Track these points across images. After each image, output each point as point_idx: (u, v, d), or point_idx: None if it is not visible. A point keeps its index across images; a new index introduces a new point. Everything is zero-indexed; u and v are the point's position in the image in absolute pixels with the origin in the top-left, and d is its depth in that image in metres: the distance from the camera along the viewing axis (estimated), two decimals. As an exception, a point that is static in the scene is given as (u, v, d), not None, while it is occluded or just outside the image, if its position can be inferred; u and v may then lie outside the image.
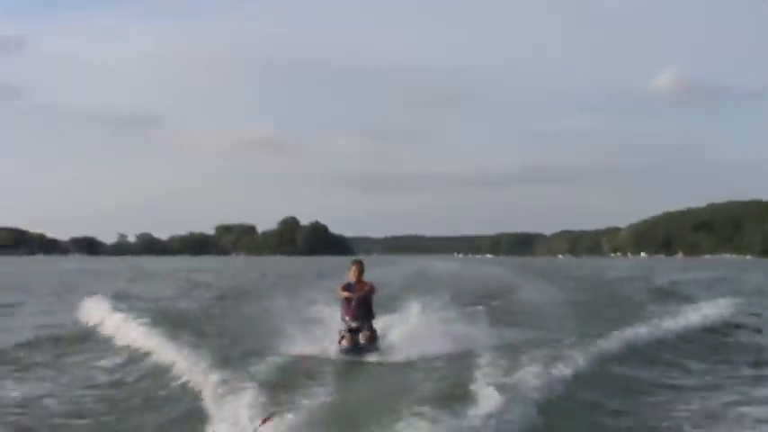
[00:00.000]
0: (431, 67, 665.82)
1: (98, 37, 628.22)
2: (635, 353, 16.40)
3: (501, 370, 12.35)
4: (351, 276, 16.07)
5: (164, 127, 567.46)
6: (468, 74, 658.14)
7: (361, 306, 15.74)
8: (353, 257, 17.80)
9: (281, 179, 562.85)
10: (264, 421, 8.50)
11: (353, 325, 15.51)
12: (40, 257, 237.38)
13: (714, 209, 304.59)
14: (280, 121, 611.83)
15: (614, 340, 16.89)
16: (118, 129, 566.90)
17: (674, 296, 35.54)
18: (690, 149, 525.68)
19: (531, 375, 11.81)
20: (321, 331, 16.72)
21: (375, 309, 16.34)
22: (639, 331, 18.67)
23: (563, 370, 12.84)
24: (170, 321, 21.19)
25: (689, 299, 32.02)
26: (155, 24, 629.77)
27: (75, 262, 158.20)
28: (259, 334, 18.59)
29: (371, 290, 15.95)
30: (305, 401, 10.19)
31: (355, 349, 15.15)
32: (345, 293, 15.81)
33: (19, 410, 11.69)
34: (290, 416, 8.80)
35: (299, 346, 15.54)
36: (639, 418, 11.14)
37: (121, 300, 29.08)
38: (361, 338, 15.32)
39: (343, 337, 15.39)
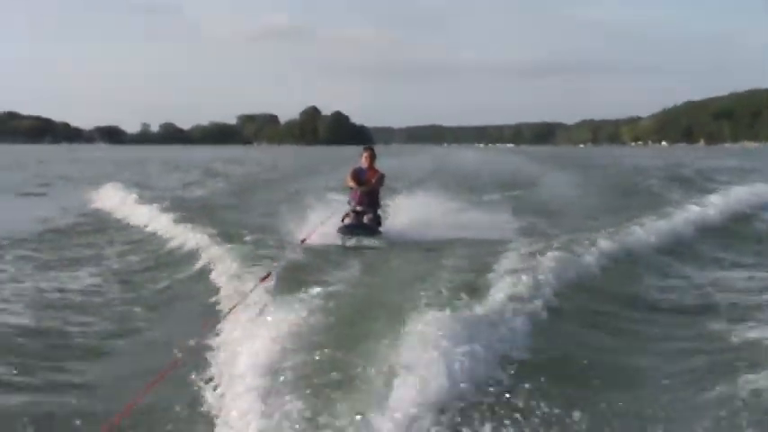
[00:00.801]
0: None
1: None
2: (660, 243, 15.69)
3: (513, 259, 12.05)
4: (362, 162, 16.45)
5: (186, 15, 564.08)
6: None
7: (369, 194, 16.10)
8: (366, 145, 18.02)
9: (303, 69, 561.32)
10: (263, 279, 8.55)
11: (359, 208, 15.88)
12: (64, 146, 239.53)
13: (735, 98, 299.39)
14: (303, 10, 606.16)
15: (637, 230, 16.10)
16: (139, 15, 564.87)
17: (697, 184, 35.03)
18: (714, 38, 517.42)
19: (545, 266, 11.34)
20: (330, 218, 16.62)
21: (385, 198, 16.77)
22: (665, 220, 17.97)
23: (581, 261, 12.39)
24: (182, 209, 21.03)
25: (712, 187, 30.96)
26: None
27: (99, 151, 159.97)
28: (270, 221, 18.69)
29: (379, 180, 16.26)
30: (310, 287, 9.80)
31: (357, 228, 15.47)
32: (353, 184, 16.14)
33: (32, 297, 11.57)
34: (295, 304, 8.47)
35: (302, 230, 15.55)
36: (659, 315, 10.52)
37: (138, 188, 29.51)
38: (365, 219, 15.70)
39: (347, 215, 15.80)
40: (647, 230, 16.28)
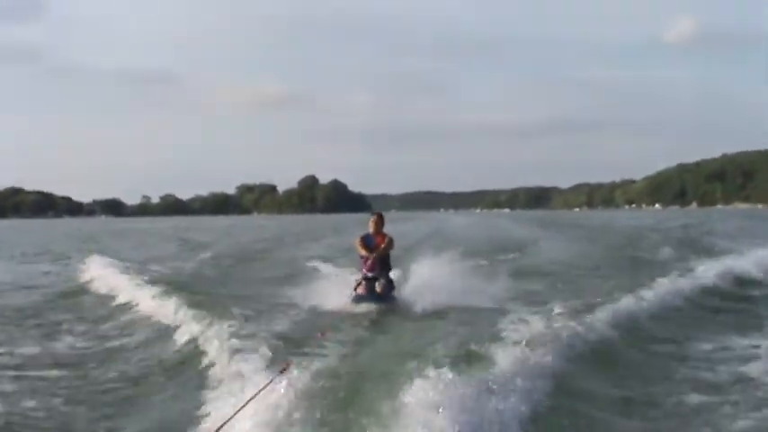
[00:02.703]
0: (448, 18, 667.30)
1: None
2: (660, 311, 15.26)
3: (516, 327, 11.87)
4: (370, 228, 16.45)
5: (184, 86, 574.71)
6: (483, 25, 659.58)
7: (380, 259, 16.08)
8: (373, 211, 17.90)
9: (301, 136, 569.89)
10: (283, 371, 8.29)
11: (370, 275, 15.89)
12: (67, 220, 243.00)
13: (727, 159, 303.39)
14: (299, 78, 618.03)
15: (637, 297, 15.68)
16: (137, 86, 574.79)
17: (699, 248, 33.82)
18: (705, 100, 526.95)
19: (547, 333, 11.27)
20: (336, 286, 16.78)
21: (392, 262, 16.60)
22: (666, 287, 17.42)
23: (580, 329, 12.06)
24: (174, 282, 20.21)
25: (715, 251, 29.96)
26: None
27: (99, 223, 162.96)
28: (272, 289, 18.54)
29: (389, 244, 16.25)
30: (319, 357, 9.98)
31: (371, 297, 15.51)
32: (363, 252, 16.11)
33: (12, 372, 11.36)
34: (304, 371, 8.48)
35: (315, 300, 15.79)
36: (663, 389, 10.07)
37: (128, 262, 28.54)
38: (378, 287, 15.64)
39: (359, 284, 15.76)
40: (652, 295, 16.11)
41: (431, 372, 7.92)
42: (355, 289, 15.66)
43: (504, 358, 9.34)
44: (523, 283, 19.72)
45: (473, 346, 10.04)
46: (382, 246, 16.16)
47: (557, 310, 13.43)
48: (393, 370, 8.66)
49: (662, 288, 17.13)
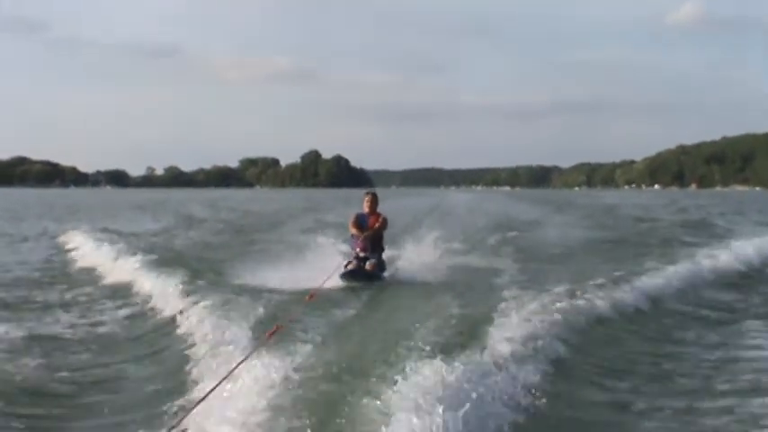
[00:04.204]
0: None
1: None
2: (662, 294, 14.73)
3: (509, 308, 11.32)
4: (364, 207, 16.31)
5: (190, 59, 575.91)
6: (490, 5, 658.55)
7: (371, 239, 15.95)
8: (367, 189, 17.77)
9: (306, 112, 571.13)
10: (271, 334, 8.32)
11: (361, 254, 15.80)
12: (72, 190, 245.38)
13: (727, 142, 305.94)
14: (304, 52, 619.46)
15: (637, 279, 15.32)
16: (143, 59, 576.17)
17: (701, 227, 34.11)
18: (708, 83, 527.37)
19: (543, 313, 11.02)
20: (328, 260, 16.54)
21: (386, 241, 16.48)
22: (667, 269, 16.85)
23: (579, 310, 11.85)
24: (165, 255, 19.78)
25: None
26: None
27: (103, 194, 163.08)
28: (263, 261, 18.24)
29: (382, 224, 16.07)
30: (308, 332, 9.81)
31: (359, 275, 15.26)
32: (355, 231, 16.02)
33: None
34: (290, 336, 8.49)
35: (305, 273, 15.42)
36: (663, 375, 9.64)
37: (118, 233, 28.18)
38: (367, 266, 15.51)
39: (349, 263, 15.57)
40: (654, 278, 15.70)
41: (415, 356, 7.74)
42: (345, 266, 15.40)
43: (493, 343, 9.08)
44: (519, 262, 19.33)
45: (460, 331, 9.81)
46: (375, 226, 16.05)
47: (552, 291, 12.89)
48: (376, 349, 8.54)
49: (663, 273, 16.47)
